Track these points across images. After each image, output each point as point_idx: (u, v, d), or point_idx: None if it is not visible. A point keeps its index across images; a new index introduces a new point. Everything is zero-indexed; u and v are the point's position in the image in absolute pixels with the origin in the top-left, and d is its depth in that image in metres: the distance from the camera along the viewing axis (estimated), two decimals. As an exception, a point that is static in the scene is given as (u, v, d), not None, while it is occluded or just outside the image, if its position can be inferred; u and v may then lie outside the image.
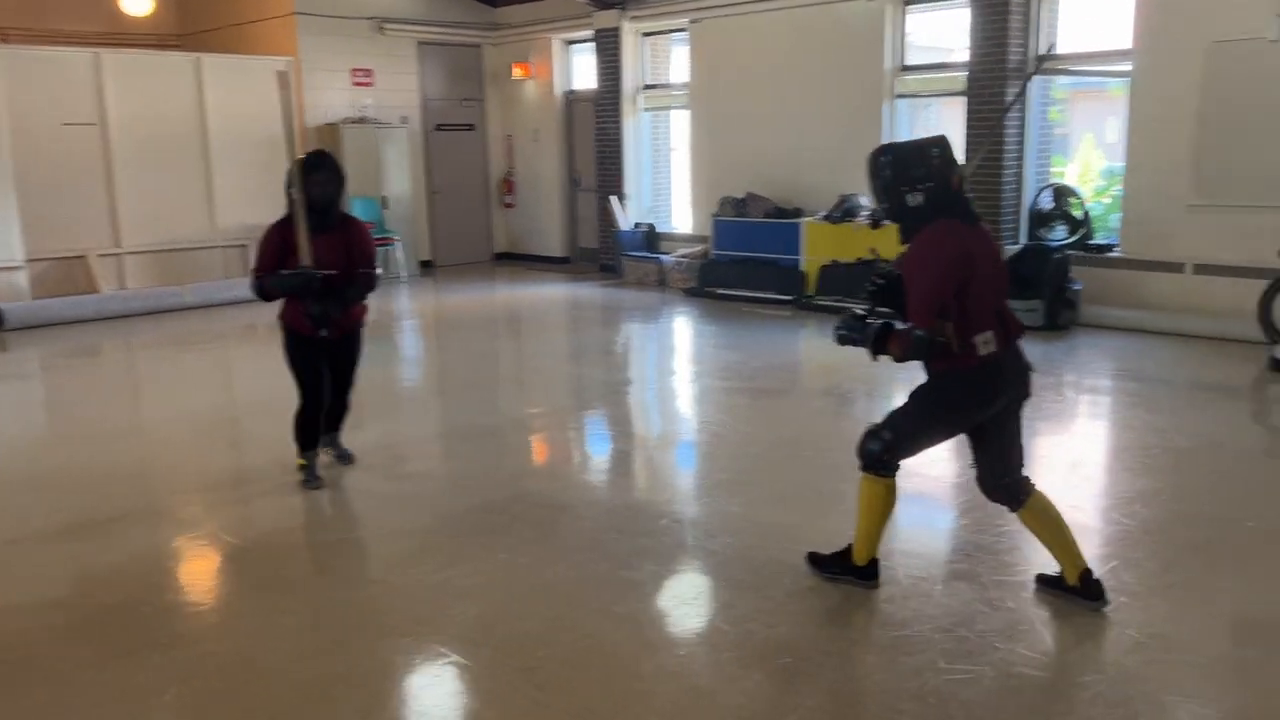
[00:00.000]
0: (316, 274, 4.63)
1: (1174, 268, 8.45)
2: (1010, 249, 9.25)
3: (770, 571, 3.85)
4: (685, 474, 5.42)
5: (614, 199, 12.60)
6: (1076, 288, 8.58)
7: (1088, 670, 3.17)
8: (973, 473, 3.64)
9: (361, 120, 12.59)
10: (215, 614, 3.73)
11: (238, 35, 12.83)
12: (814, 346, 8.61)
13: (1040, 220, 9.19)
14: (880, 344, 3.30)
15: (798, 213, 10.60)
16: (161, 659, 3.34)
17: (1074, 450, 5.56)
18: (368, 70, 12.86)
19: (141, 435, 6.37)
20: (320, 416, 5.00)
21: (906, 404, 3.52)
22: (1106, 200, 9.96)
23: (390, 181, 12.74)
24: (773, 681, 3.10)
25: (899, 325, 3.29)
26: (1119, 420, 6.23)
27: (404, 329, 10.35)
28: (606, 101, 12.67)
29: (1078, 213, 9.07)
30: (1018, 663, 3.18)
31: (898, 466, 3.54)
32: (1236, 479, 4.98)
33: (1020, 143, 9.38)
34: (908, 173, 3.33)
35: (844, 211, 9.96)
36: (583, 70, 13.56)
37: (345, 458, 5.31)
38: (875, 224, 9.78)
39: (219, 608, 3.80)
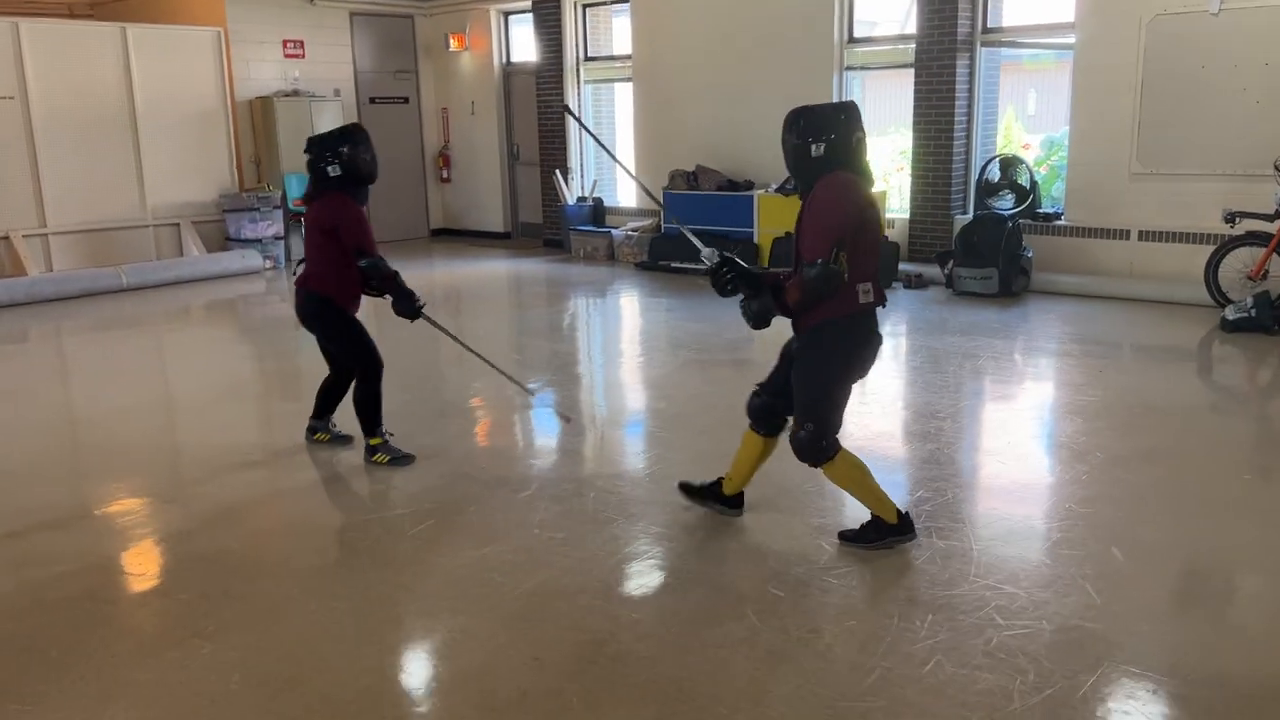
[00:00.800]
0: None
1: (1120, 235, 8.78)
2: (961, 219, 9.51)
3: (809, 541, 3.92)
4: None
5: (558, 173, 12.49)
6: (1029, 255, 8.84)
7: (1142, 620, 3.30)
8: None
9: (294, 93, 12.20)
10: (248, 602, 3.61)
11: (156, 5, 12.25)
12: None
13: (988, 190, 9.43)
14: (780, 306, 3.59)
15: (749, 185, 10.66)
16: (213, 648, 3.23)
17: (1046, 409, 5.76)
18: (299, 41, 12.46)
19: (123, 419, 6.11)
20: (380, 388, 4.90)
21: (803, 385, 3.65)
22: (1044, 170, 10.27)
23: (326, 157, 12.36)
24: (843, 644, 3.16)
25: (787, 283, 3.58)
26: (1086, 382, 6.46)
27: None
28: (548, 74, 12.52)
29: (1024, 182, 9.32)
30: (1071, 615, 3.29)
31: (838, 445, 3.69)
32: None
33: (969, 115, 9.60)
34: (814, 126, 3.56)
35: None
36: (521, 42, 13.36)
37: (341, 438, 5.17)
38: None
39: (249, 595, 3.68)
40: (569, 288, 10.50)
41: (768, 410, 3.84)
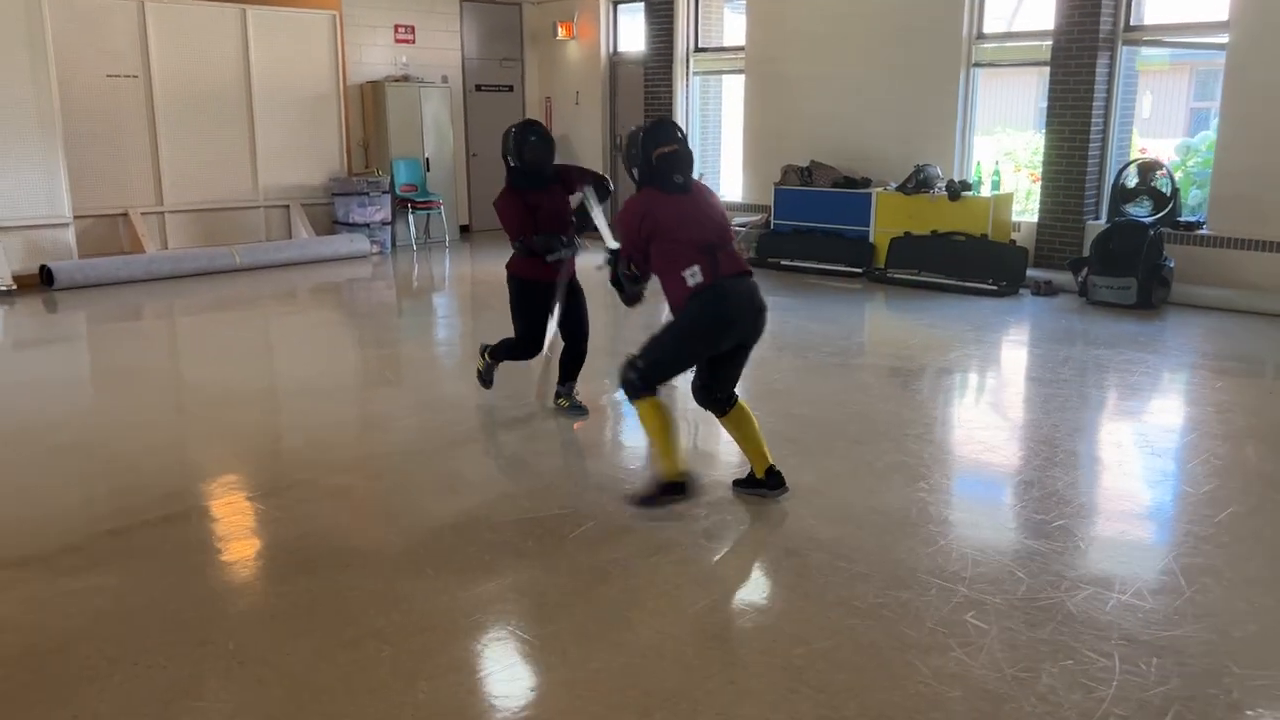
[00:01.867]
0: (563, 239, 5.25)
1: (1271, 247, 8.30)
2: (1093, 225, 9.10)
3: (1001, 567, 3.67)
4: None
5: (663, 165, 12.29)
6: (1170, 265, 8.41)
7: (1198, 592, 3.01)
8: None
9: (404, 79, 12.18)
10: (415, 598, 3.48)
11: (274, -13, 12.33)
12: (908, 320, 8.41)
13: (1124, 196, 9.01)
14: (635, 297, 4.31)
15: (866, 182, 10.36)
16: (393, 651, 3.11)
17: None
18: (410, 26, 12.44)
19: (255, 401, 6.08)
20: (525, 359, 5.51)
21: (658, 334, 4.11)
22: (1178, 175, 9.79)
23: (431, 143, 12.36)
24: (1064, 686, 2.93)
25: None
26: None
27: (473, 296, 10.05)
28: (657, 65, 12.34)
29: (1164, 188, 8.88)
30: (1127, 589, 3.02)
31: (656, 390, 4.03)
32: None
33: (1106, 117, 9.18)
34: (627, 153, 4.17)
35: (918, 182, 9.73)
36: (629, 32, 13.19)
37: (578, 408, 5.53)
38: (954, 195, 10.15)
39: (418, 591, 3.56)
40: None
41: (707, 394, 4.24)
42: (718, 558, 3.84)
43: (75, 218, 9.70)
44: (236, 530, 4.11)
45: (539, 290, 5.28)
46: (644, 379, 4.00)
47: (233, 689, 2.93)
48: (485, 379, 5.76)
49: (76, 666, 3.04)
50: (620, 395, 4.16)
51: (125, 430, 5.52)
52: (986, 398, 6.33)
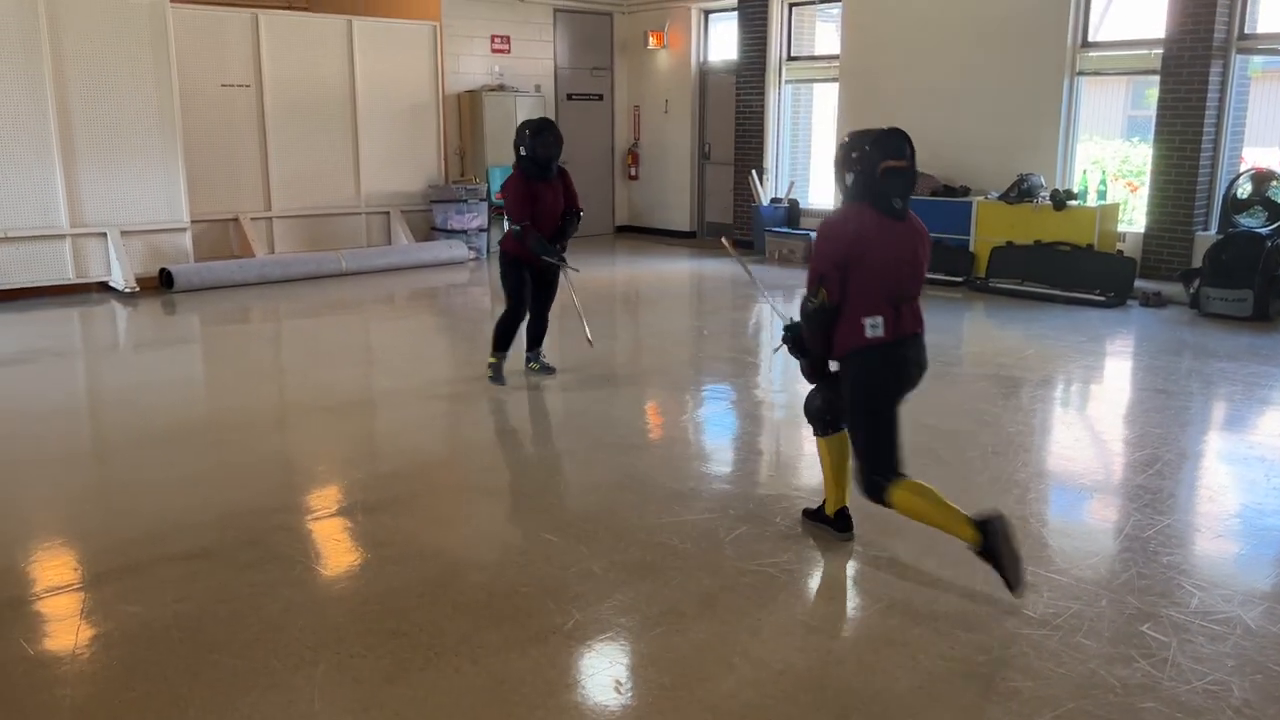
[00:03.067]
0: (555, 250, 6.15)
1: (1394, 259, 8.11)
2: (1203, 236, 8.97)
3: (1163, 579, 3.66)
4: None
5: (754, 173, 12.36)
6: (1288, 277, 8.26)
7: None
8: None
9: (500, 88, 12.39)
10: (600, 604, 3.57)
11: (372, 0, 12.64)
12: (1018, 329, 8.35)
13: (1237, 206, 8.86)
14: (801, 342, 3.83)
15: (965, 191, 10.31)
16: (569, 648, 3.21)
17: None
18: (505, 37, 12.66)
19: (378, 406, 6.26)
20: (518, 326, 6.33)
21: (850, 422, 3.72)
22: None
23: (525, 151, 12.52)
24: (1259, 698, 2.92)
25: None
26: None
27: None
28: (749, 73, 12.40)
29: (1279, 199, 8.71)
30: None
31: (894, 474, 3.59)
32: None
33: (1217, 127, 9.04)
34: (844, 156, 3.62)
35: (1021, 191, 9.66)
36: (719, 41, 13.27)
37: (548, 369, 6.59)
38: (1059, 205, 9.95)
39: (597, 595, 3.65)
40: (779, 290, 10.31)
41: (820, 411, 3.91)
42: (876, 560, 3.87)
43: (191, 222, 10.02)
44: (404, 526, 4.24)
45: (522, 266, 6.14)
46: (874, 474, 3.61)
47: (432, 678, 3.04)
48: (497, 375, 6.37)
49: (281, 654, 3.18)
50: (878, 507, 3.69)
51: (273, 429, 5.72)
52: (1120, 410, 6.26)
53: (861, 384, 3.62)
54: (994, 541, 3.37)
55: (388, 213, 11.73)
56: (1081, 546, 3.97)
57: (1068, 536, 4.04)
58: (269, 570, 3.78)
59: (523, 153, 5.99)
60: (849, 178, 3.60)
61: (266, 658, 3.16)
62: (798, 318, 3.81)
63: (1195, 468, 5.03)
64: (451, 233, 11.68)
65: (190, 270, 9.61)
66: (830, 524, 4.02)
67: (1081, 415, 6.11)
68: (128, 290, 9.33)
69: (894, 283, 3.56)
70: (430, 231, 11.84)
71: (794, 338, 3.88)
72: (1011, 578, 3.38)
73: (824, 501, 4.09)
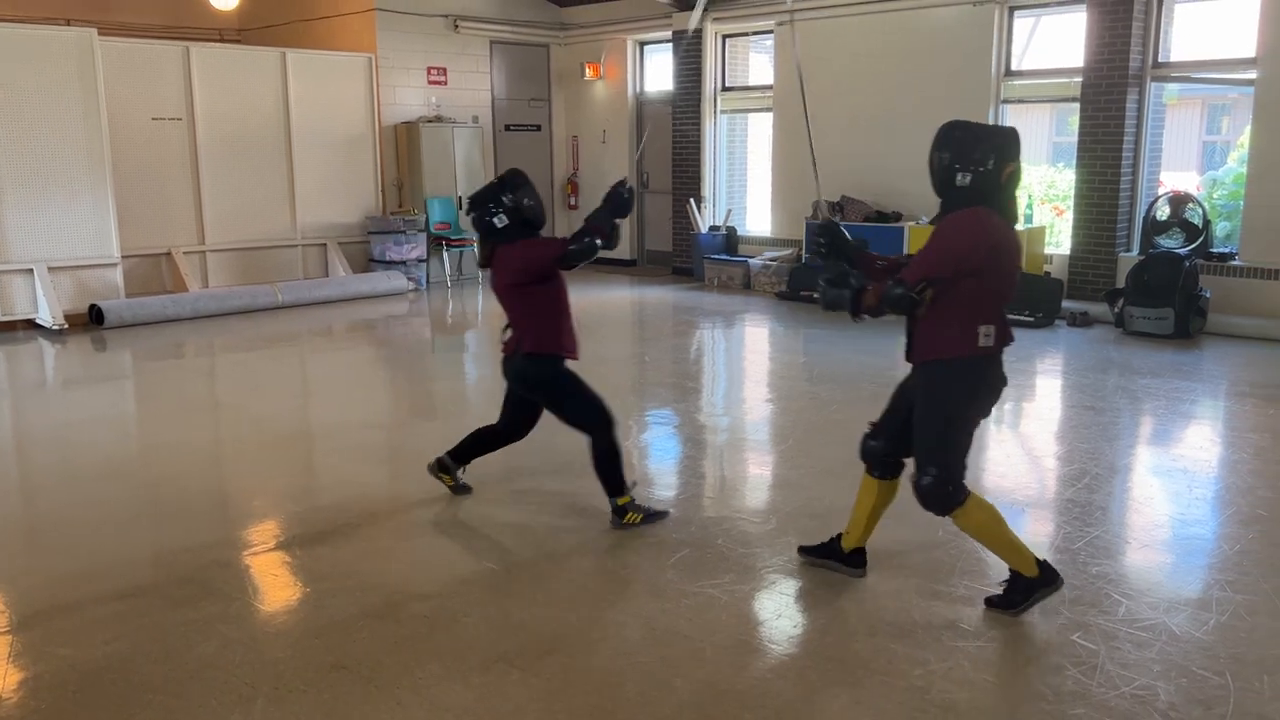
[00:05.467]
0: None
1: (1304, 277, 8.46)
2: (1126, 257, 9.26)
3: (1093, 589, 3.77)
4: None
5: (692, 202, 12.50)
6: (1206, 296, 8.55)
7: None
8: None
9: (437, 119, 12.40)
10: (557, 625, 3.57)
11: (305, 31, 12.59)
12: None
13: (1157, 228, 9.17)
14: (854, 304, 3.49)
15: (897, 216, 10.54)
16: (513, 676, 3.20)
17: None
18: (442, 68, 12.67)
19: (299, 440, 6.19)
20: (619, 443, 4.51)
21: (922, 428, 3.51)
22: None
23: (463, 181, 12.55)
24: (1184, 702, 3.02)
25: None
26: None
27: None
28: (685, 104, 12.56)
29: (1196, 220, 9.05)
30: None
31: (965, 490, 3.50)
32: None
33: (1135, 151, 9.37)
34: (964, 152, 3.35)
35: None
36: (653, 72, 13.44)
37: (463, 488, 4.86)
38: None
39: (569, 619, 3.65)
40: (715, 316, 10.41)
41: (883, 453, 3.70)
42: (815, 579, 3.92)
43: (122, 257, 9.84)
44: (344, 558, 4.19)
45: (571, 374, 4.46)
46: (949, 483, 3.46)
47: (373, 712, 3.01)
48: (650, 514, 4.47)
49: (218, 692, 3.12)
50: (937, 517, 3.60)
51: (208, 464, 5.63)
52: (1051, 427, 6.41)
53: (958, 392, 3.44)
54: (1045, 581, 3.52)
55: (324, 244, 11.64)
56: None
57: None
58: (205, 607, 3.71)
59: (498, 224, 4.32)
60: (964, 176, 3.33)
61: (203, 696, 3.10)
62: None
63: (1122, 481, 5.18)
64: (390, 264, 11.61)
65: (121, 306, 9.43)
66: (844, 560, 3.86)
67: (1014, 433, 6.26)
68: (56, 327, 9.12)
69: (1009, 291, 3.45)
70: (368, 263, 11.76)
71: (841, 288, 3.53)
72: (1005, 606, 3.54)
73: (835, 536, 3.90)
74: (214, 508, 4.89)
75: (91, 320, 9.44)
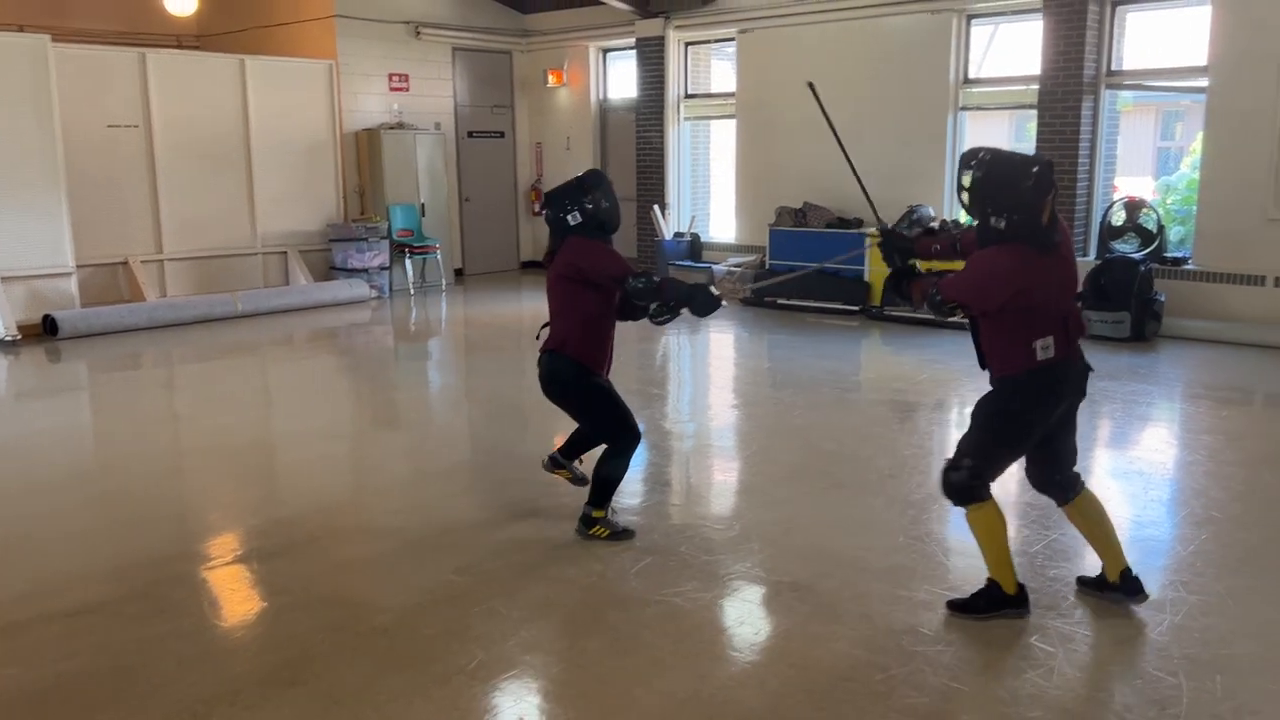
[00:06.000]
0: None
1: (1255, 280, 8.61)
2: (1085, 262, 9.38)
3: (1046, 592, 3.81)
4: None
5: (656, 208, 12.51)
6: (1161, 300, 8.69)
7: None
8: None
9: (399, 126, 12.33)
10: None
11: (265, 37, 12.46)
12: (913, 356, 8.59)
13: (1112, 233, 9.31)
14: (904, 289, 3.73)
15: (858, 223, 10.61)
16: (473, 689, 3.18)
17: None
18: (404, 75, 12.60)
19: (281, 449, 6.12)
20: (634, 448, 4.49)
21: (973, 426, 3.57)
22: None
23: (426, 189, 12.49)
24: (1141, 705, 3.05)
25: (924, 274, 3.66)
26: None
27: (489, 339, 10.12)
28: (649, 111, 12.58)
29: (1150, 226, 9.19)
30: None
31: (989, 491, 3.54)
32: None
33: (1091, 157, 9.50)
34: (996, 196, 3.35)
35: (912, 222, 9.98)
36: (617, 79, 13.45)
37: (582, 479, 4.64)
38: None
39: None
40: (679, 322, 10.37)
41: (1044, 477, 3.68)
42: (778, 586, 3.93)
43: (77, 267, 9.69)
44: (303, 571, 4.14)
45: (594, 374, 4.36)
46: (975, 477, 3.48)
47: (332, 728, 2.98)
48: (618, 531, 4.42)
49: (173, 711, 3.07)
50: (951, 504, 3.66)
51: (165, 476, 5.54)
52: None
53: (1027, 399, 3.44)
54: (1016, 603, 3.57)
55: (285, 252, 11.53)
56: (975, 564, 4.05)
57: (961, 555, 4.15)
58: (160, 623, 3.65)
59: (572, 221, 4.28)
60: (997, 220, 3.33)
61: (157, 716, 3.05)
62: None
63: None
64: (352, 272, 11.52)
65: (76, 316, 9.28)
66: (1012, 603, 3.59)
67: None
68: (8, 338, 8.94)
69: (1058, 302, 3.41)
70: (329, 271, 11.66)
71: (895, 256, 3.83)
72: (967, 610, 3.60)
73: (989, 583, 3.63)
74: (170, 521, 4.81)
75: (46, 331, 9.27)
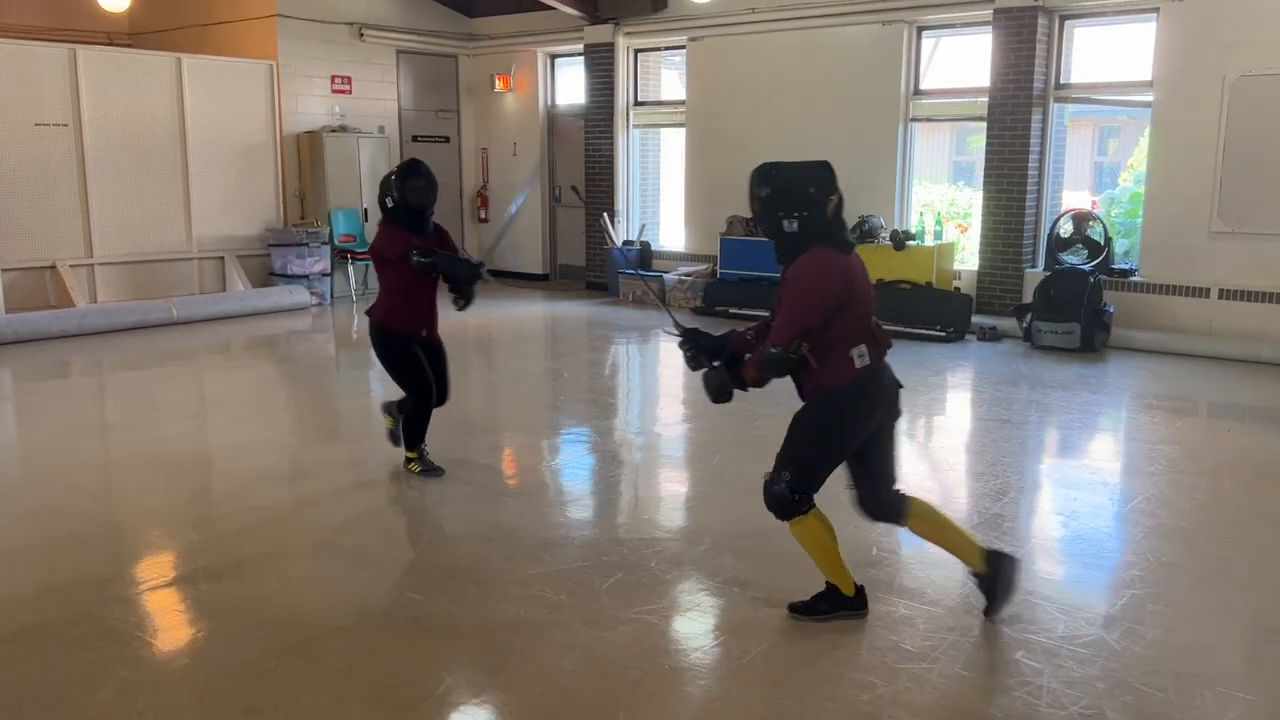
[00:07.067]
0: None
1: (1199, 292, 8.76)
2: (1032, 274, 9.47)
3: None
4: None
5: (605, 216, 12.38)
6: (1110, 311, 8.79)
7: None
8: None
9: (342, 129, 12.04)
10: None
11: (202, 36, 12.08)
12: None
13: (1060, 245, 9.41)
14: (736, 380, 3.52)
15: (810, 233, 10.58)
16: (442, 716, 3.00)
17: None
18: (346, 77, 12.31)
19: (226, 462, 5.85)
20: (430, 411, 5.25)
21: (791, 438, 3.53)
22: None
23: (369, 194, 12.19)
24: (1122, 717, 2.99)
25: (747, 356, 3.51)
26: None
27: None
28: (598, 118, 12.45)
29: (1098, 237, 9.31)
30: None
31: (811, 502, 3.52)
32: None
33: (1040, 169, 9.60)
34: (785, 198, 3.36)
35: (863, 233, 9.99)
36: (566, 85, 13.31)
37: (433, 469, 5.33)
38: (898, 245, 9.44)
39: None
40: (630, 331, 10.29)
41: (874, 501, 3.61)
42: (755, 602, 3.81)
43: (1, 271, 9.25)
44: (253, 591, 3.92)
45: (407, 340, 5.14)
46: (799, 491, 3.48)
47: (293, 761, 2.79)
48: (429, 468, 5.26)
49: (117, 744, 2.85)
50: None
51: (99, 492, 5.26)
52: (967, 440, 6.46)
53: (842, 407, 3.43)
54: (855, 605, 3.61)
55: (222, 257, 11.16)
56: (950, 576, 4.01)
57: (936, 568, 4.08)
58: (100, 648, 3.40)
59: (390, 204, 5.03)
60: (792, 223, 3.33)
61: (99, 750, 2.82)
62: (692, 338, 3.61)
63: (1046, 495, 5.22)
64: (292, 278, 11.19)
65: (0, 322, 8.84)
66: (849, 604, 3.63)
67: (930, 448, 6.28)
68: (-73, 345, 8.50)
69: (871, 308, 3.48)
70: (268, 277, 11.31)
71: (703, 358, 3.57)
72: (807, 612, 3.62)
73: (828, 586, 3.64)
74: (107, 539, 4.53)
75: (-33, 337, 8.82)
